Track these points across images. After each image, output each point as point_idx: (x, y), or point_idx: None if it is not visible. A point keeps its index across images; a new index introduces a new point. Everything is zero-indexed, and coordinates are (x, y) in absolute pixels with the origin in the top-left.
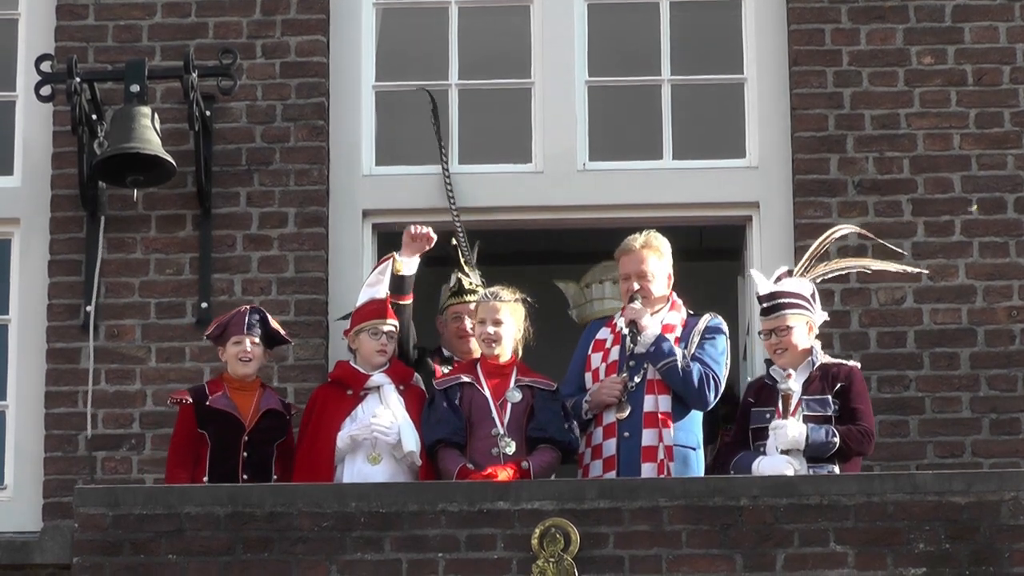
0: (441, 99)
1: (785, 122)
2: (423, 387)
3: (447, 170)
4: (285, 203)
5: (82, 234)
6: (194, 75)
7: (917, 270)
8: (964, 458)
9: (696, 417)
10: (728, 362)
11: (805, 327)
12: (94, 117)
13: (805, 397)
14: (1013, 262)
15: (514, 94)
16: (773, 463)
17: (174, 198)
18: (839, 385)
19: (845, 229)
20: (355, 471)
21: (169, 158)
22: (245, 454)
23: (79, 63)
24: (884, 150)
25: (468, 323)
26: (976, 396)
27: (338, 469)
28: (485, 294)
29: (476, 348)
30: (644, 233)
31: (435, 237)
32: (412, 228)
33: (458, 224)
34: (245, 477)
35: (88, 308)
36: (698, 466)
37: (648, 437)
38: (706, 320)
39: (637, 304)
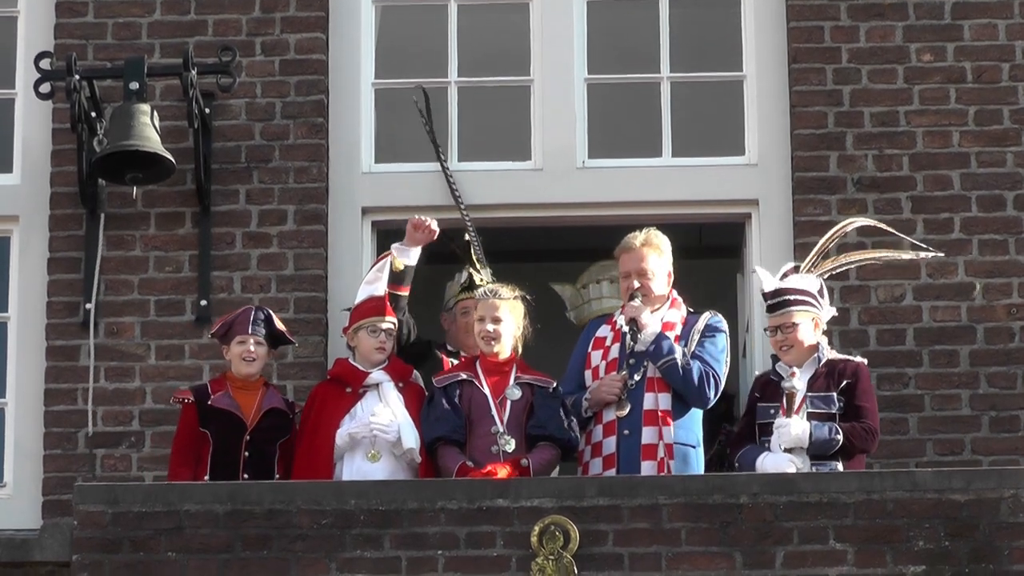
0: (441, 96)
1: (784, 119)
2: (422, 384)
3: (448, 169)
4: (284, 200)
5: (81, 231)
6: (193, 72)
7: (931, 253)
8: (964, 455)
9: (696, 415)
10: (728, 360)
11: (811, 324)
12: (93, 114)
13: (810, 394)
14: (1012, 259)
15: (513, 91)
16: (776, 461)
17: (173, 195)
18: (845, 382)
19: (860, 222)
20: (354, 469)
21: (168, 155)
22: (246, 453)
23: (78, 60)
24: (883, 147)
25: None
26: (976, 393)
27: (337, 467)
28: (484, 291)
29: None
30: (644, 231)
31: (437, 230)
32: (415, 218)
33: (469, 221)
34: (246, 476)
35: (88, 305)
36: (698, 464)
37: (648, 435)
38: (706, 318)
39: (637, 302)
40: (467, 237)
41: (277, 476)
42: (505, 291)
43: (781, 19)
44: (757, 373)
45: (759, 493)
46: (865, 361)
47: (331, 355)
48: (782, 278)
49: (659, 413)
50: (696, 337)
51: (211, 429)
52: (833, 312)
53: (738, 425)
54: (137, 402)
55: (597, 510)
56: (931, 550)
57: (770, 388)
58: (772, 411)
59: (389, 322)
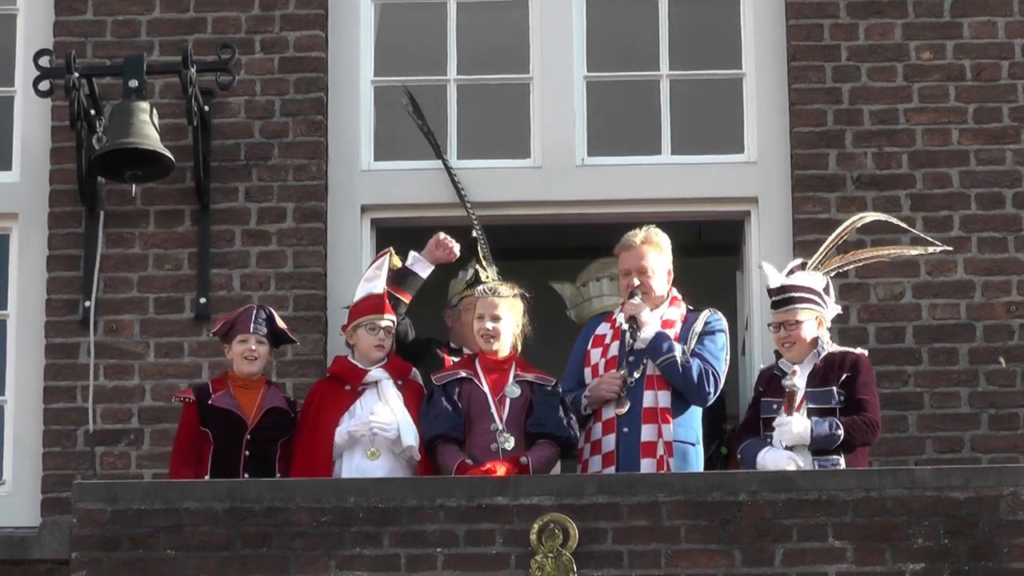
0: (440, 94)
1: (784, 117)
2: (421, 382)
3: (451, 169)
4: (284, 198)
5: (81, 229)
6: (192, 70)
7: (939, 247)
8: (963, 453)
9: (695, 413)
10: (728, 358)
11: (815, 322)
12: (92, 112)
13: (809, 389)
14: (1012, 257)
15: (513, 89)
16: (776, 457)
17: (173, 193)
18: (845, 376)
19: (871, 216)
20: (353, 466)
21: (168, 153)
22: (247, 452)
23: (77, 58)
24: (883, 145)
25: None
26: (975, 391)
27: (336, 464)
28: (483, 290)
29: None
30: (644, 229)
31: (458, 255)
32: (440, 236)
33: (475, 218)
34: (246, 476)
35: (87, 303)
36: (697, 461)
37: (647, 432)
38: (705, 316)
39: (637, 300)
40: (474, 234)
41: (278, 475)
42: (504, 289)
43: (780, 17)
44: (761, 366)
45: (758, 491)
46: (865, 352)
47: (330, 353)
48: (788, 274)
49: (658, 411)
50: (696, 335)
51: (212, 428)
52: (838, 310)
53: (742, 417)
54: (136, 400)
55: (596, 508)
56: (930, 548)
57: (774, 383)
58: (775, 406)
59: (388, 320)
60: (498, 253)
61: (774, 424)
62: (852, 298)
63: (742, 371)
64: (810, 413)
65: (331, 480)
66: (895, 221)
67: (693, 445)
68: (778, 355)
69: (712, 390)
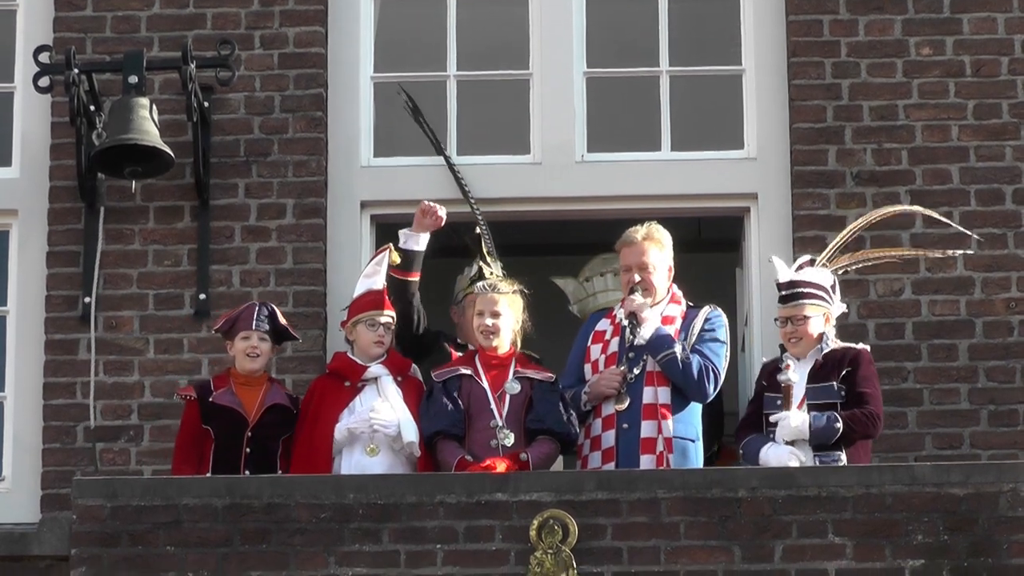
0: (439, 90)
1: (783, 113)
2: (421, 378)
3: (454, 166)
4: (283, 194)
5: (80, 225)
6: (192, 66)
7: (960, 251)
8: (962, 450)
9: (695, 409)
10: (728, 354)
11: (822, 318)
12: (92, 108)
13: (810, 385)
14: (1011, 253)
15: (512, 85)
16: (778, 452)
17: (172, 189)
18: (845, 370)
19: (888, 210)
20: (353, 463)
21: (167, 149)
22: (248, 450)
23: (77, 54)
24: (882, 141)
25: None
26: (974, 388)
27: (336, 461)
28: (483, 286)
29: None
30: (646, 225)
31: (444, 216)
32: (424, 203)
33: (479, 214)
34: (247, 473)
35: (87, 299)
36: (697, 458)
37: (647, 429)
38: (706, 312)
39: (637, 296)
40: (478, 230)
41: (280, 472)
42: (504, 285)
43: (780, 13)
44: (765, 360)
45: (758, 487)
46: (867, 348)
47: (330, 349)
48: (797, 270)
49: (658, 407)
50: (696, 331)
51: (213, 426)
52: (843, 308)
53: (743, 413)
54: (136, 396)
55: (596, 504)
56: (930, 544)
57: (776, 377)
58: (778, 401)
59: (387, 316)
60: (497, 249)
61: (772, 420)
62: (852, 294)
63: (741, 367)
64: (812, 408)
65: (330, 476)
66: (933, 214)
67: (693, 441)
68: (783, 349)
69: (712, 387)
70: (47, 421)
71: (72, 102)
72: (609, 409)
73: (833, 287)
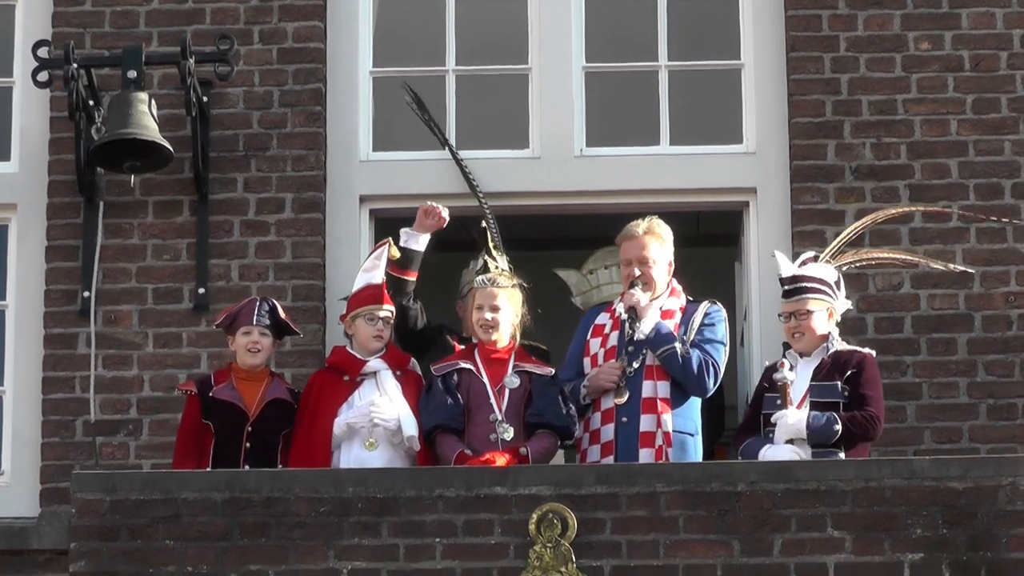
0: (439, 85)
1: (782, 108)
2: (420, 372)
3: (460, 159)
4: (282, 189)
5: (79, 220)
6: (191, 61)
7: (961, 267)
8: (961, 443)
9: (694, 403)
10: (727, 349)
11: (825, 313)
12: (91, 103)
13: (813, 383)
14: (1010, 247)
15: (512, 80)
16: (777, 453)
17: (171, 184)
18: (850, 372)
19: (892, 210)
20: (352, 457)
21: (166, 144)
22: (248, 444)
23: (76, 49)
24: (881, 136)
25: None
26: (973, 382)
27: (335, 455)
28: (482, 280)
29: None
30: (646, 219)
31: (447, 217)
32: (427, 204)
33: (487, 207)
34: (247, 467)
35: (86, 294)
36: (696, 452)
37: (646, 423)
38: (705, 307)
39: (637, 290)
40: (484, 224)
41: (280, 467)
42: (503, 279)
43: (779, 7)
44: (767, 363)
45: (757, 481)
46: (873, 353)
47: (329, 343)
48: (801, 265)
49: (657, 401)
50: (695, 326)
51: (213, 421)
52: (848, 305)
53: (740, 412)
54: (135, 390)
55: (595, 498)
56: (929, 538)
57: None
58: (778, 401)
59: (387, 310)
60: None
61: (772, 420)
62: (851, 288)
63: (741, 362)
64: (814, 407)
65: (330, 470)
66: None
67: (692, 435)
68: (786, 346)
69: (712, 381)
70: (46, 415)
71: (71, 97)
72: (608, 403)
73: (837, 283)
